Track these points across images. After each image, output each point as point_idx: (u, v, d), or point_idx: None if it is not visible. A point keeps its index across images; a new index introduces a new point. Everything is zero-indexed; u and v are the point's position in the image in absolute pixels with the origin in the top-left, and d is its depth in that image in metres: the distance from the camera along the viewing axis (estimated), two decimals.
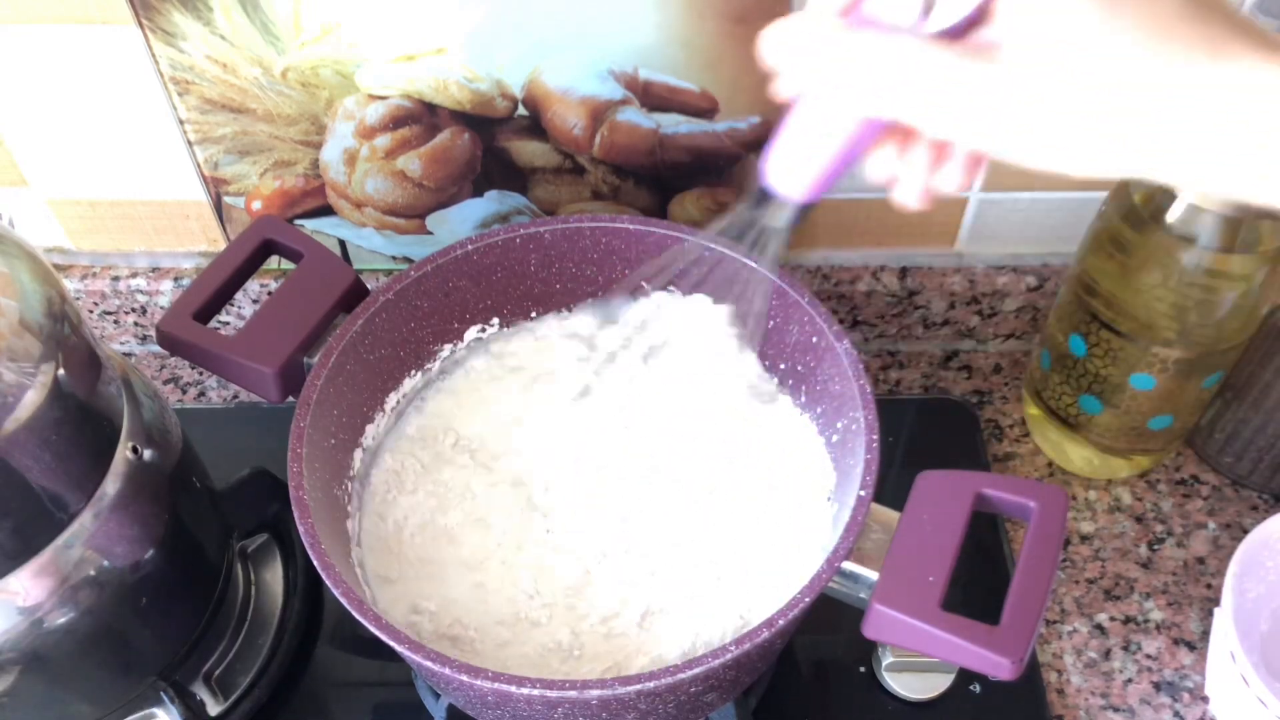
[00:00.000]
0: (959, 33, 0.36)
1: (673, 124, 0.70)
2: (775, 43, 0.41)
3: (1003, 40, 0.35)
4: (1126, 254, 0.63)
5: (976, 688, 0.66)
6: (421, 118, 0.71)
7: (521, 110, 0.70)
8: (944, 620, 0.50)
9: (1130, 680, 0.67)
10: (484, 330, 0.69)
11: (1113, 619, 0.69)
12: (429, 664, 0.50)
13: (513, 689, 0.49)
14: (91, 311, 0.83)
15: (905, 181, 0.42)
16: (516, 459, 0.65)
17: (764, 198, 0.45)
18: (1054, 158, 0.35)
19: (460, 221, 0.76)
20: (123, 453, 0.54)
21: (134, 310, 0.83)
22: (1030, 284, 0.79)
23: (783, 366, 0.66)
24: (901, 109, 0.37)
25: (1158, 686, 0.67)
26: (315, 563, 0.52)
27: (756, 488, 0.63)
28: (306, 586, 0.70)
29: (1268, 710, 0.58)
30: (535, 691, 0.48)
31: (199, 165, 0.74)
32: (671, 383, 0.66)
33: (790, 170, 0.43)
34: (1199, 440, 0.76)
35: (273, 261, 0.66)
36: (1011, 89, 0.34)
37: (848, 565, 0.52)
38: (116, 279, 0.81)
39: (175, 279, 0.81)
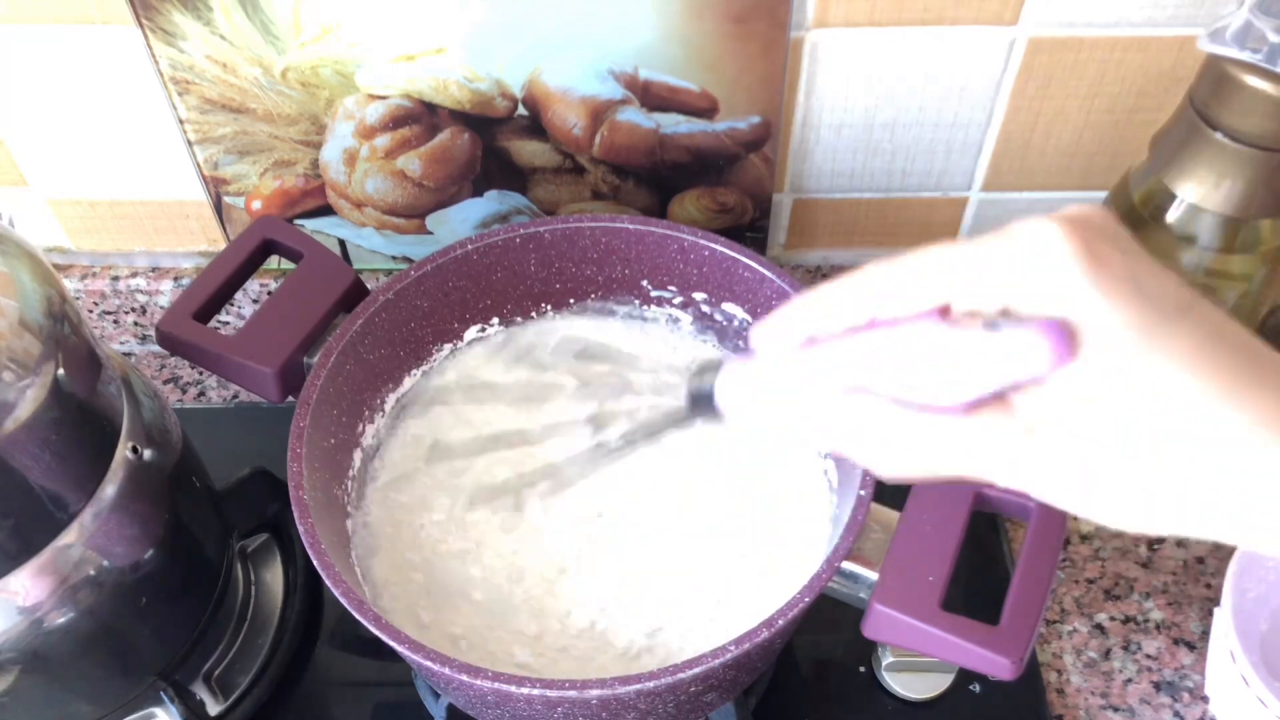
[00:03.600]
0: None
1: (673, 124, 0.70)
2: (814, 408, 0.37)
3: (1052, 410, 0.33)
4: None
5: (976, 688, 0.66)
6: (421, 118, 0.71)
7: (521, 110, 0.70)
8: (944, 620, 0.50)
9: (1130, 680, 0.67)
10: (484, 330, 0.69)
11: (1113, 619, 0.69)
12: (429, 664, 0.50)
13: (513, 689, 0.49)
14: (91, 311, 0.83)
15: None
16: (517, 459, 0.65)
17: (705, 395, 0.41)
18: (1104, 510, 0.34)
19: (460, 221, 0.76)
20: (123, 453, 0.54)
21: (134, 310, 0.83)
22: None
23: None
24: (953, 472, 0.35)
25: (1158, 686, 0.67)
26: (315, 563, 0.52)
27: (757, 487, 0.63)
28: (306, 586, 0.70)
29: (1268, 710, 0.58)
30: (535, 691, 0.48)
31: (199, 165, 0.74)
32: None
33: (741, 404, 0.40)
34: None
35: (273, 261, 0.66)
36: (1062, 445, 0.33)
37: (848, 565, 0.52)
38: (116, 279, 0.81)
39: (175, 279, 0.81)
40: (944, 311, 0.34)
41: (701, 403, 0.41)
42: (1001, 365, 0.33)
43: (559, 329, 0.69)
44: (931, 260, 0.35)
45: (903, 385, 0.35)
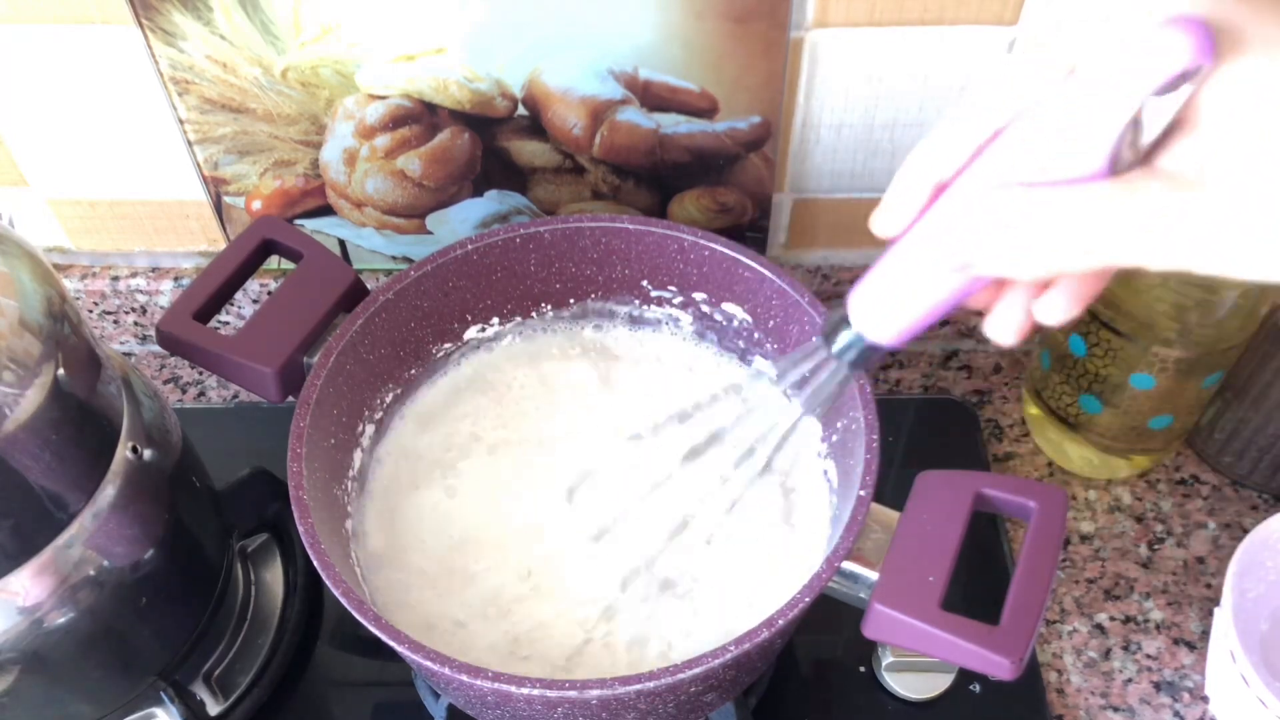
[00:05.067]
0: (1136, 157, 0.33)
1: (673, 124, 0.70)
2: (965, 221, 0.35)
3: (1204, 161, 0.32)
4: None
5: (976, 688, 0.66)
6: (421, 118, 0.71)
7: (521, 110, 0.70)
8: (944, 620, 0.50)
9: (1130, 680, 0.67)
10: (484, 330, 0.69)
11: (1113, 619, 0.69)
12: (429, 664, 0.50)
13: (513, 689, 0.49)
14: (91, 311, 0.83)
15: (1002, 316, 0.38)
16: (517, 459, 0.65)
17: (841, 333, 0.40)
18: (1254, 266, 0.32)
19: (460, 221, 0.76)
20: (123, 453, 0.54)
21: (134, 310, 0.83)
22: None
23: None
24: (1094, 255, 0.33)
25: (1158, 686, 0.67)
26: (315, 563, 0.52)
27: (757, 487, 0.63)
28: (306, 586, 0.70)
29: (1268, 710, 0.58)
30: (535, 691, 0.48)
31: (199, 165, 0.74)
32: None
33: (882, 314, 0.39)
34: (1199, 440, 0.76)
35: (273, 261, 0.66)
36: (1216, 198, 0.31)
37: (848, 565, 0.52)
38: (116, 279, 0.81)
39: (175, 279, 0.81)
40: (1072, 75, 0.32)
41: (840, 340, 0.40)
42: (1143, 74, 0.31)
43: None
44: (1044, 40, 0.33)
45: (1037, 169, 0.33)
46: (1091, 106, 0.32)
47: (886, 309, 0.38)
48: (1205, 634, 0.68)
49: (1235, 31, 0.31)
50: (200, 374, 0.84)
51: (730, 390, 0.60)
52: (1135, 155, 0.33)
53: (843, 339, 0.40)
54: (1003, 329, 0.38)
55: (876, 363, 0.40)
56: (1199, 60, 0.31)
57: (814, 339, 0.42)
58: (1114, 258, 0.33)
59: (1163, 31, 0.30)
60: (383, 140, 0.72)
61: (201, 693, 0.64)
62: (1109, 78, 0.31)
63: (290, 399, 0.61)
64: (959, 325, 0.82)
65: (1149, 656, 0.68)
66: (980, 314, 0.39)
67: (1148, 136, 0.33)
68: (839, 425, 0.60)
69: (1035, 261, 0.34)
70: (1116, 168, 0.33)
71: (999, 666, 0.49)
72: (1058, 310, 0.37)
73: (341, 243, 0.79)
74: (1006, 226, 0.33)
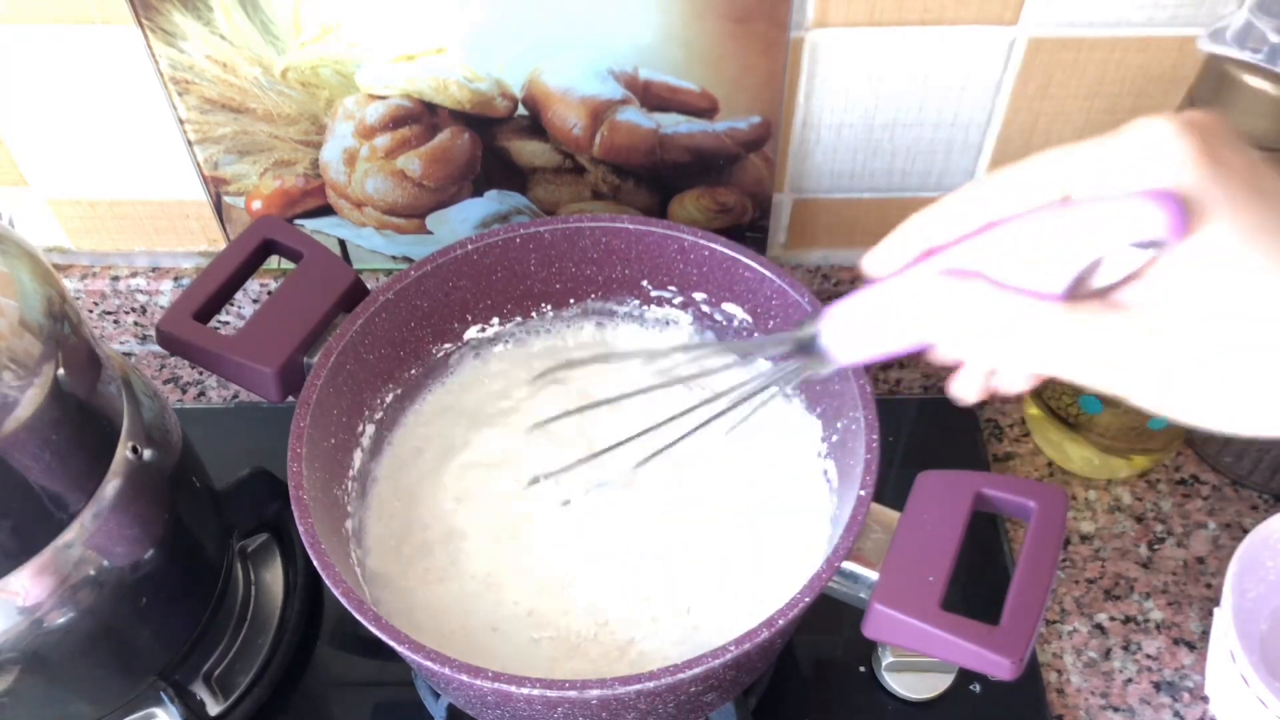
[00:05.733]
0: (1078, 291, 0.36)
1: (673, 124, 0.70)
2: (911, 286, 0.39)
3: (1152, 294, 0.34)
4: None
5: (976, 688, 0.66)
6: (421, 118, 0.71)
7: (521, 110, 0.70)
8: (944, 620, 0.50)
9: (1130, 680, 0.67)
10: (484, 330, 0.69)
11: (1113, 619, 0.69)
12: (429, 664, 0.50)
13: (513, 689, 0.49)
14: (91, 311, 0.83)
15: (964, 380, 0.42)
16: (516, 459, 0.65)
17: (809, 348, 0.44)
18: (1202, 410, 0.34)
19: (460, 221, 0.76)
20: (123, 453, 0.54)
21: (134, 310, 0.83)
22: None
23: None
24: (1048, 364, 0.36)
25: (1158, 686, 0.67)
26: (315, 563, 0.52)
27: (757, 487, 0.63)
28: (306, 586, 0.70)
29: (1268, 710, 0.58)
30: (535, 691, 0.48)
31: (199, 165, 0.74)
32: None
33: (849, 340, 0.43)
34: (1199, 440, 0.76)
35: (273, 261, 0.66)
36: (1166, 338, 0.33)
37: (848, 565, 0.52)
38: (116, 279, 0.81)
39: (175, 279, 0.81)
40: (1065, 201, 0.35)
41: (806, 354, 0.43)
42: (1116, 229, 0.34)
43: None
44: (1045, 160, 0.35)
45: (1010, 273, 0.36)
46: (1067, 238, 0.35)
47: (853, 337, 0.42)
48: (1205, 634, 0.68)
49: (1207, 203, 0.33)
50: (200, 374, 0.84)
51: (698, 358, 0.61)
52: (1090, 290, 0.36)
53: (810, 345, 0.44)
54: (963, 390, 0.43)
55: (826, 373, 0.44)
56: (1171, 237, 0.33)
57: (786, 334, 0.45)
58: (1050, 370, 0.36)
59: (1140, 204, 0.33)
60: (383, 140, 0.72)
61: (201, 693, 0.64)
62: (1089, 222, 0.34)
63: (290, 399, 0.61)
64: None
65: (1149, 656, 0.68)
66: (949, 370, 0.43)
67: (1105, 278, 0.36)
68: (839, 425, 0.60)
69: (979, 351, 0.37)
70: (1074, 295, 0.36)
71: (999, 666, 0.49)
72: (1012, 384, 0.41)
73: (341, 243, 0.79)
74: (959, 312, 0.37)
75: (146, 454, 0.56)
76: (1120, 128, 0.34)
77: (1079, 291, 0.36)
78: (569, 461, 0.62)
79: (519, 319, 0.69)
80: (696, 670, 0.49)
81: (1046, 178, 0.35)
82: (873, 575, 0.52)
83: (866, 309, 0.41)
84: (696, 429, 0.54)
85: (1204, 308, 0.33)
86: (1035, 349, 0.36)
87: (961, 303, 0.36)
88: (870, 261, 0.39)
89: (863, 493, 0.53)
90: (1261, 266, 0.32)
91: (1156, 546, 0.73)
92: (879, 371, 0.83)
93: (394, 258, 0.80)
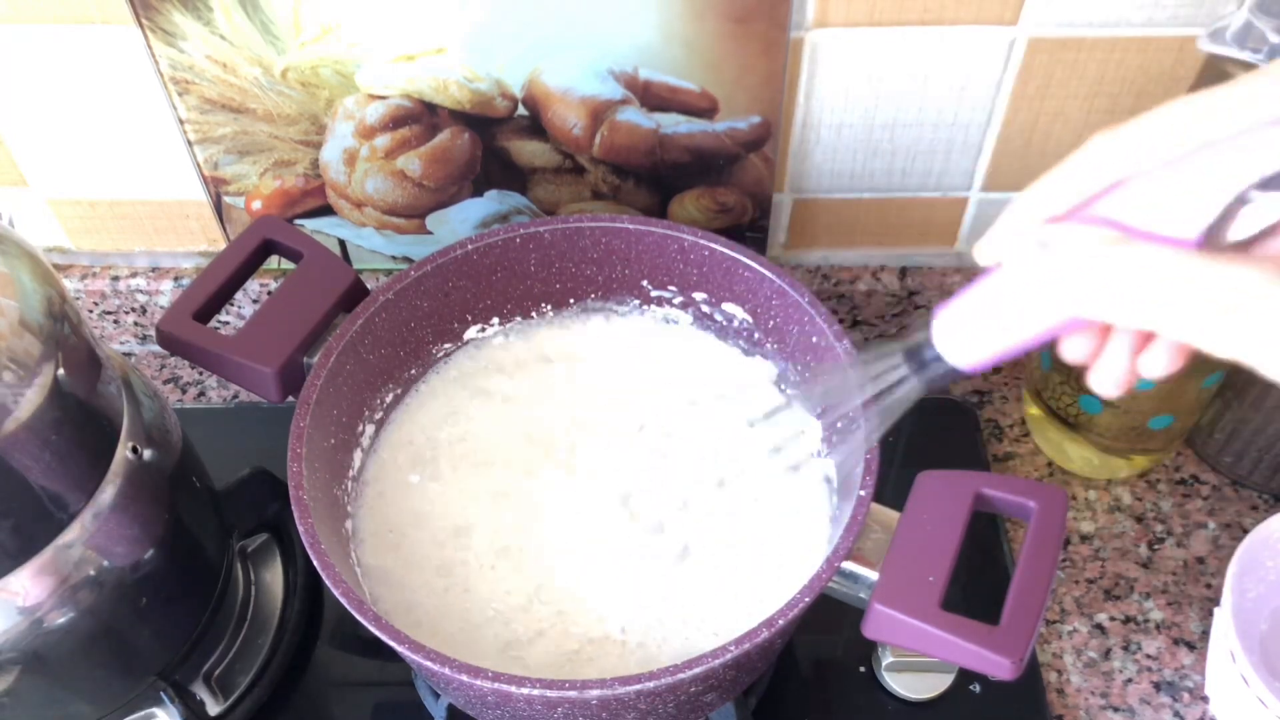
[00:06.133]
0: (1238, 245, 0.33)
1: (673, 124, 0.70)
2: (1043, 250, 0.35)
3: None
4: None
5: (976, 688, 0.66)
6: (421, 118, 0.71)
7: (521, 110, 0.70)
8: (944, 620, 0.50)
9: (1130, 680, 0.67)
10: (484, 330, 0.69)
11: (1113, 619, 0.69)
12: (429, 664, 0.50)
13: (513, 689, 0.49)
14: (91, 311, 0.83)
15: (1105, 368, 0.38)
16: (516, 458, 0.65)
17: (924, 354, 0.40)
18: None
19: (460, 221, 0.76)
20: (123, 453, 0.54)
21: (134, 310, 0.83)
22: None
23: (783, 366, 0.66)
24: (1178, 328, 0.33)
25: (1158, 686, 0.67)
26: (315, 563, 0.52)
27: (757, 487, 0.63)
28: (306, 586, 0.70)
29: (1268, 710, 0.58)
30: (535, 691, 0.48)
31: (199, 165, 0.74)
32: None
33: (968, 341, 0.39)
34: (1199, 440, 0.76)
35: (273, 261, 0.66)
36: None
37: (848, 565, 0.52)
38: (116, 279, 0.81)
39: (175, 279, 0.81)
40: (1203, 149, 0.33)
41: (920, 363, 0.40)
42: (1252, 162, 0.31)
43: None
44: (1178, 110, 0.33)
45: (1141, 216, 0.33)
46: (1200, 176, 0.32)
47: (974, 336, 0.38)
48: (1205, 634, 0.68)
49: None
50: (200, 374, 0.84)
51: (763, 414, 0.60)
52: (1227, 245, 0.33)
53: (924, 358, 0.40)
54: (1105, 380, 0.39)
55: (949, 383, 0.41)
56: None
57: (896, 354, 0.42)
58: (1188, 324, 0.33)
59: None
60: (383, 140, 0.72)
61: (201, 693, 0.64)
62: (1230, 155, 0.32)
63: (290, 399, 0.61)
64: None
65: (1149, 656, 0.68)
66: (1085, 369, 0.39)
67: (1240, 232, 0.33)
68: (839, 425, 0.60)
69: (1119, 308, 0.34)
70: (1210, 246, 0.33)
71: (999, 666, 0.49)
72: (1158, 365, 0.37)
73: (341, 243, 0.79)
74: (1097, 268, 0.34)
75: (146, 454, 0.56)
76: (1250, 73, 0.32)
77: (1215, 246, 0.33)
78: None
79: (519, 319, 0.69)
80: (696, 670, 0.49)
81: (1181, 127, 0.33)
82: (873, 575, 0.52)
83: (986, 300, 0.37)
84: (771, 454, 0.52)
85: None
86: (1175, 307, 0.32)
87: (1092, 260, 0.33)
88: (983, 248, 0.36)
89: (863, 493, 0.53)
90: None
91: (1156, 546, 0.73)
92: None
93: (394, 258, 0.80)
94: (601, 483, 0.64)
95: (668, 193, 0.75)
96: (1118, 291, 0.33)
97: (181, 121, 0.71)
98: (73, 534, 0.52)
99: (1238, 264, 0.31)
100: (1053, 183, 0.35)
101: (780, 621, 0.50)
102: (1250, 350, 0.32)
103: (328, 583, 0.52)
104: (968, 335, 0.38)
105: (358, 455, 0.64)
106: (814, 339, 0.61)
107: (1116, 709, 0.66)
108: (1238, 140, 0.32)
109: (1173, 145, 0.33)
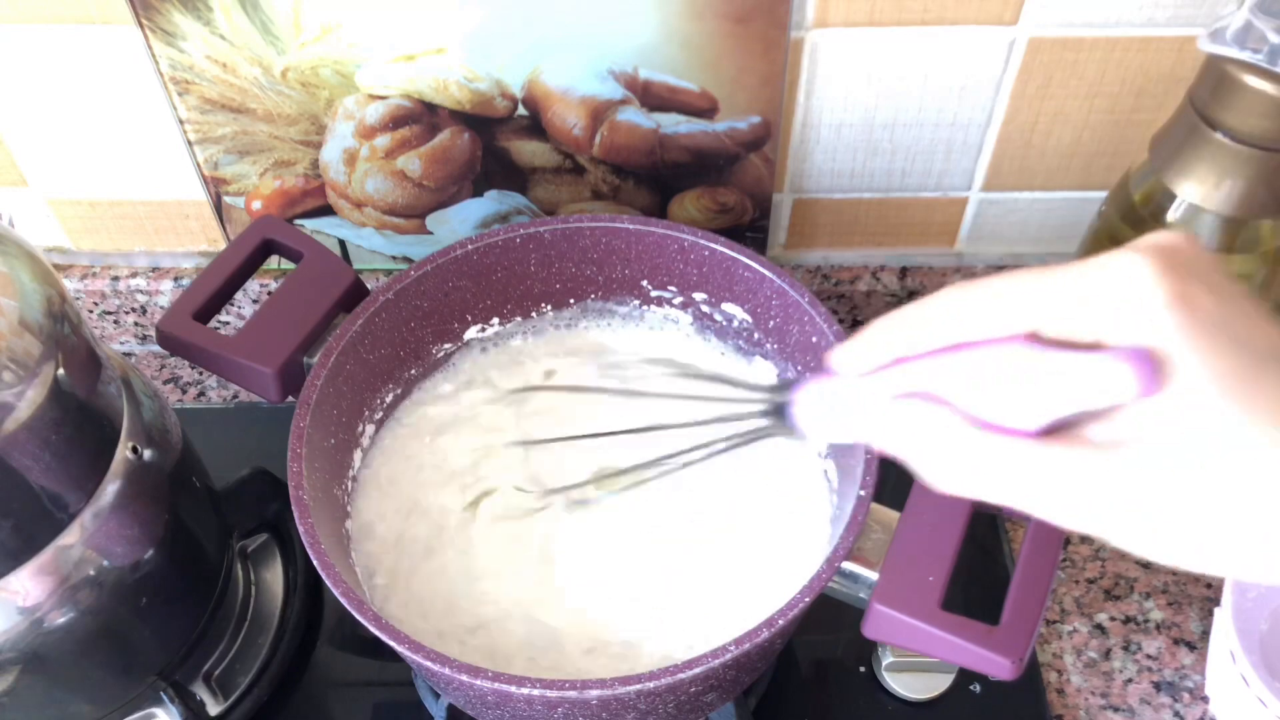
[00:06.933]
0: (1056, 429, 0.35)
1: (673, 124, 0.70)
2: (877, 404, 0.38)
3: (1126, 437, 0.33)
4: None
5: (976, 688, 0.66)
6: (421, 118, 0.71)
7: (521, 110, 0.70)
8: (944, 620, 0.50)
9: (1130, 680, 0.67)
10: (484, 330, 0.69)
11: (1113, 619, 0.69)
12: (429, 664, 0.50)
13: (513, 689, 0.49)
14: (91, 311, 0.83)
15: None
16: (515, 457, 0.65)
17: (782, 413, 0.43)
18: (1175, 554, 0.34)
19: (460, 221, 0.76)
20: (123, 453, 0.54)
21: (134, 310, 0.83)
22: None
23: (784, 367, 0.66)
24: (1016, 500, 0.35)
25: (1158, 686, 0.67)
26: (315, 563, 0.52)
27: (757, 487, 0.63)
28: (306, 586, 0.70)
29: (1268, 710, 0.58)
30: (535, 691, 0.48)
31: (199, 165, 0.74)
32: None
33: (820, 423, 0.42)
34: None
35: (273, 261, 0.66)
36: (1137, 485, 0.33)
37: (848, 565, 0.52)
38: (116, 279, 0.81)
39: (175, 279, 0.81)
40: (1031, 337, 0.35)
41: (779, 417, 0.43)
42: (1085, 390, 0.33)
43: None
44: (1020, 286, 0.35)
45: (980, 404, 0.35)
46: (1034, 385, 0.34)
47: (822, 421, 0.42)
48: (1205, 634, 0.68)
49: (1181, 353, 0.32)
50: (200, 374, 0.84)
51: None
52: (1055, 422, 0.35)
53: (783, 411, 0.43)
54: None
55: (784, 432, 0.44)
56: (1143, 395, 0.33)
57: (763, 391, 0.44)
58: (1014, 505, 0.35)
59: (1112, 364, 0.33)
60: (383, 140, 0.72)
61: (201, 693, 0.64)
62: (1058, 375, 0.34)
63: (290, 399, 0.61)
64: None
65: (1149, 656, 0.68)
66: None
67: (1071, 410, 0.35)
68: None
69: (951, 484, 0.36)
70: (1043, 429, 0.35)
71: (999, 666, 0.49)
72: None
73: (341, 243, 0.79)
74: (924, 437, 0.36)
75: (146, 454, 0.56)
76: (1094, 258, 0.33)
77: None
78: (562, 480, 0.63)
79: (519, 319, 0.69)
80: (696, 670, 0.49)
81: (1017, 305, 0.34)
82: (873, 575, 0.52)
83: (836, 400, 0.40)
84: (672, 464, 0.54)
85: (1177, 457, 0.32)
86: (1001, 485, 0.35)
87: (926, 429, 0.36)
88: (839, 358, 0.39)
89: (863, 493, 0.53)
90: (1237, 420, 0.32)
91: None
92: None
93: (394, 258, 0.80)
94: (602, 482, 0.64)
95: (668, 193, 0.75)
96: (975, 475, 0.36)
97: (181, 121, 0.71)
98: (73, 534, 0.52)
99: (1071, 452, 0.34)
100: (912, 320, 0.37)
101: (780, 621, 0.50)
102: (1086, 529, 0.35)
103: (328, 583, 0.52)
104: (819, 418, 0.41)
105: (358, 455, 0.64)
106: (814, 339, 0.61)
107: (1116, 709, 0.66)
108: (1074, 361, 0.33)
109: (1016, 322, 0.35)
